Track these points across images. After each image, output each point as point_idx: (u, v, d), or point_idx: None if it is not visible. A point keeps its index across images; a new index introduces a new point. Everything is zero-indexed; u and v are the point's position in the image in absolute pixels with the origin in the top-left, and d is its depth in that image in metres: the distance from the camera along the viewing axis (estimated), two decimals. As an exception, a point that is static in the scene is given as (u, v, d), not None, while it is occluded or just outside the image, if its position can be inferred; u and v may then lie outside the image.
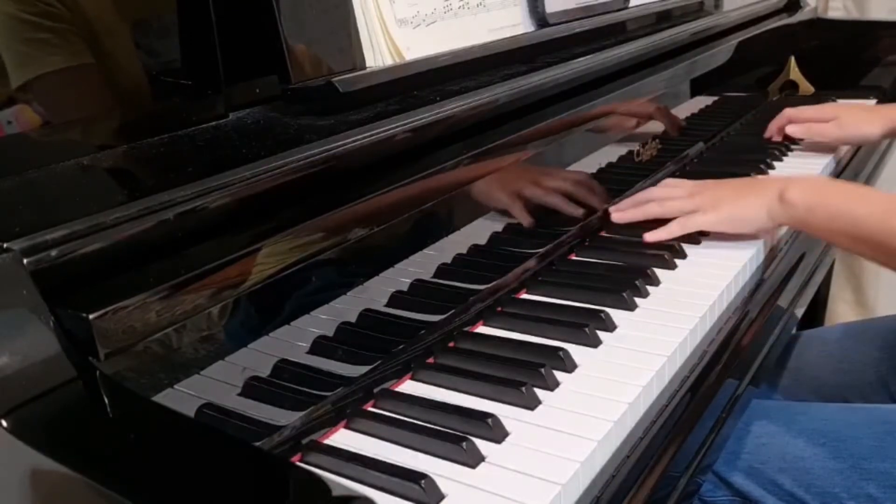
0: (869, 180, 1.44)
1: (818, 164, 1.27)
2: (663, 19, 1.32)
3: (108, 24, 0.65)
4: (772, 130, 1.37)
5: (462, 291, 0.80)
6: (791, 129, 1.31)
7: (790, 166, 1.27)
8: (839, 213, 0.89)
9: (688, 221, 0.97)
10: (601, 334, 0.78)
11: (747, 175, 1.20)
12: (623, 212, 1.02)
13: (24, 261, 0.47)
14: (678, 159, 1.25)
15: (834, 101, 1.62)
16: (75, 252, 0.49)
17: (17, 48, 0.60)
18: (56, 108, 0.62)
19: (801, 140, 1.33)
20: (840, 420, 0.90)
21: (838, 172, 1.32)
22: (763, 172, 1.24)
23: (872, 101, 1.64)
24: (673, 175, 1.23)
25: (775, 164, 1.27)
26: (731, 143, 1.43)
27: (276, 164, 0.61)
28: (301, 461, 0.63)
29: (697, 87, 1.30)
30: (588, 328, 0.77)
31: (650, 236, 0.97)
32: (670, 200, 1.00)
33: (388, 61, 0.82)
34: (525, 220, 0.88)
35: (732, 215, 0.96)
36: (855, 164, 1.37)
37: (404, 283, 0.73)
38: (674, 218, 0.98)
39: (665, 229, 0.97)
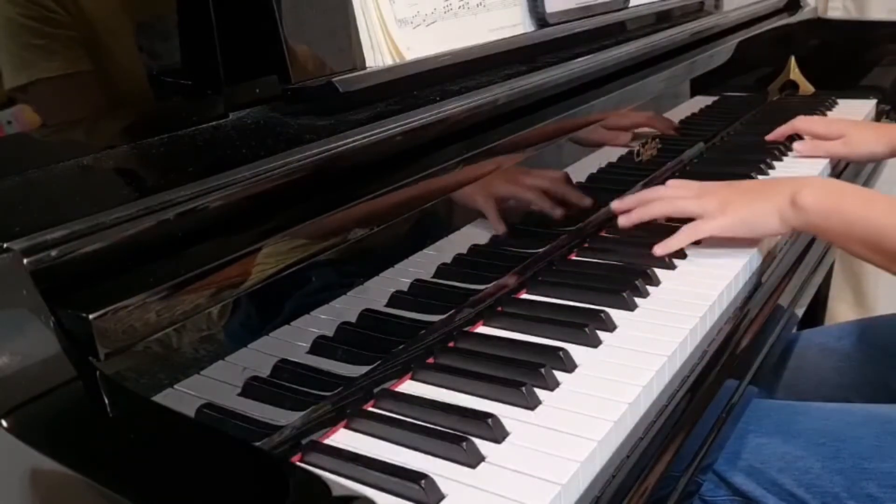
0: (868, 181, 1.44)
1: (819, 163, 1.27)
2: (663, 19, 1.32)
3: (109, 25, 0.65)
4: (776, 135, 1.34)
5: (462, 291, 0.80)
6: (799, 147, 1.28)
7: (788, 166, 1.27)
8: (857, 220, 0.86)
9: (696, 228, 0.93)
10: (601, 334, 0.78)
11: (748, 175, 1.20)
12: (629, 215, 0.99)
13: (24, 261, 0.47)
14: (678, 159, 1.25)
15: (834, 100, 1.63)
16: (75, 252, 0.49)
17: (16, 52, 0.59)
18: (51, 112, 0.62)
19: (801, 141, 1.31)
20: (840, 420, 0.90)
21: (838, 173, 1.32)
22: (763, 173, 1.24)
23: (872, 101, 1.64)
24: (673, 176, 1.23)
25: (775, 163, 1.27)
26: (731, 142, 1.43)
27: (275, 164, 0.61)
28: (301, 461, 0.63)
29: (697, 87, 1.30)
30: (588, 328, 0.77)
31: (659, 249, 0.93)
32: (678, 200, 0.96)
33: (388, 61, 0.82)
34: (524, 220, 0.88)
35: (743, 219, 0.93)
36: (853, 165, 1.37)
37: (404, 283, 0.73)
38: (678, 222, 0.95)
39: (674, 239, 0.93)
